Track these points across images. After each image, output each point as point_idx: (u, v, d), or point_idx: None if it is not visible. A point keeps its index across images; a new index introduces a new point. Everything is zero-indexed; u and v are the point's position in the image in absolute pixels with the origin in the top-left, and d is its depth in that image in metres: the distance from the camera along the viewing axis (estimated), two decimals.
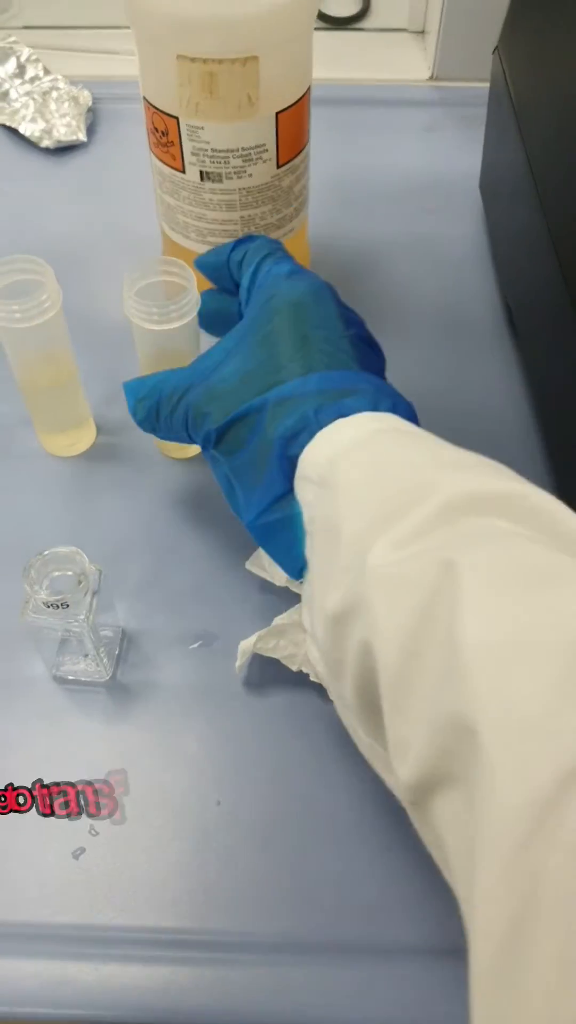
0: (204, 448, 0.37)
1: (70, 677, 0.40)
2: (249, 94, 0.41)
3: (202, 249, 0.48)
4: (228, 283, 0.41)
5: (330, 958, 0.34)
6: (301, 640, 0.39)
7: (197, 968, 0.34)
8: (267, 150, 0.44)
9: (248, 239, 0.41)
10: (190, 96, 0.41)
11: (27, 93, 0.67)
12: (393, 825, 0.36)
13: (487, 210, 0.57)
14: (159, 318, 0.39)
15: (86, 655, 0.39)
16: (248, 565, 0.42)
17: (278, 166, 0.45)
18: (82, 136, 0.64)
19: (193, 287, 0.40)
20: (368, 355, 0.36)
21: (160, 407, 0.38)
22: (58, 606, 0.35)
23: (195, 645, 0.41)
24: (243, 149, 0.43)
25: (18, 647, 0.41)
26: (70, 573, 0.36)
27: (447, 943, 0.34)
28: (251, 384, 0.35)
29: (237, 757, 0.38)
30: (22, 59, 0.68)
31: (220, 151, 0.43)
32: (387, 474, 0.30)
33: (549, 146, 0.43)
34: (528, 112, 0.46)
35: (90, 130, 0.65)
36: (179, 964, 0.34)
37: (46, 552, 0.36)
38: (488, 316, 0.53)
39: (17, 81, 0.67)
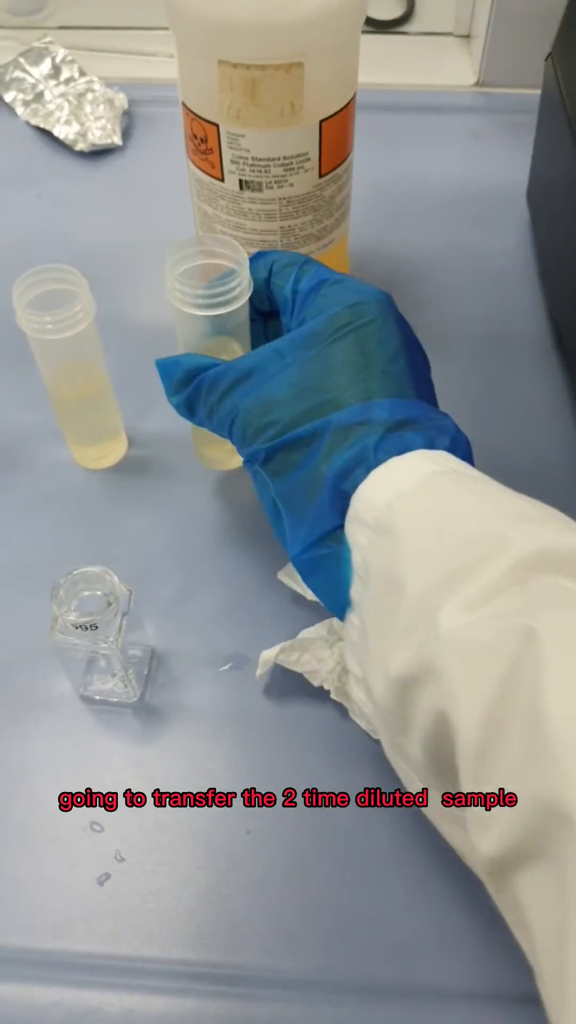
0: (248, 462, 0.35)
1: (97, 697, 0.39)
2: (292, 101, 0.40)
3: None
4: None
5: (361, 998, 0.33)
6: (325, 656, 0.38)
7: (223, 1002, 0.33)
8: (309, 159, 0.43)
9: (262, 253, 0.39)
10: (231, 102, 0.40)
11: (62, 95, 0.66)
12: (429, 860, 0.35)
13: (534, 222, 0.55)
14: (206, 302, 0.36)
15: (114, 675, 0.38)
16: (280, 575, 0.41)
17: (320, 175, 0.44)
18: (117, 140, 0.63)
19: (245, 266, 0.37)
20: (423, 376, 0.35)
21: (198, 399, 0.36)
22: (87, 627, 0.35)
23: (225, 667, 0.40)
24: (284, 158, 0.42)
25: (45, 665, 0.40)
26: (99, 593, 0.35)
27: (482, 987, 0.33)
28: (305, 400, 0.33)
29: (267, 784, 0.37)
30: (57, 60, 0.68)
31: (261, 159, 0.42)
32: (451, 525, 0.28)
33: None
34: None
35: (125, 133, 0.64)
36: (205, 998, 0.33)
37: (75, 571, 0.35)
38: (534, 333, 0.52)
39: (52, 82, 0.67)
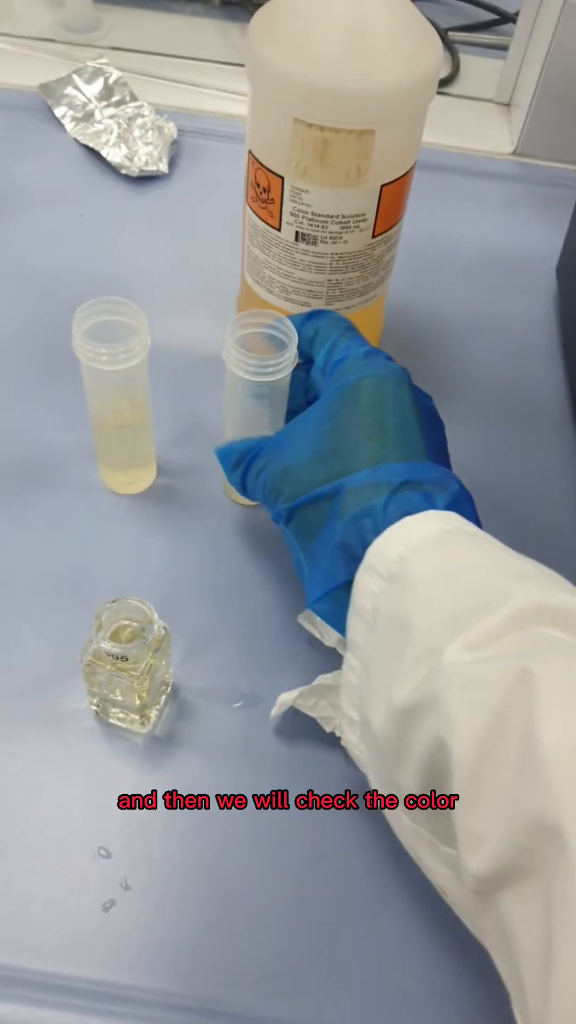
0: (276, 522, 0.39)
1: (112, 720, 0.40)
2: (359, 164, 0.42)
3: (284, 305, 0.48)
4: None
5: None
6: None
7: None
8: (366, 219, 0.44)
9: (318, 314, 0.42)
10: (300, 159, 0.42)
11: (112, 117, 0.67)
12: (430, 909, 0.36)
13: (562, 295, 0.57)
14: (256, 370, 0.39)
15: (137, 705, 0.39)
16: (300, 619, 0.43)
17: (373, 236, 0.45)
18: (164, 167, 0.65)
19: (294, 344, 0.40)
20: (437, 442, 0.38)
21: (248, 475, 0.41)
22: (118, 658, 0.35)
23: (237, 704, 0.41)
24: (343, 216, 0.44)
25: (63, 683, 0.41)
26: (136, 624, 0.36)
27: None
28: (324, 465, 0.37)
29: (276, 823, 0.38)
30: (110, 81, 0.69)
31: (320, 215, 0.44)
32: (459, 577, 0.31)
33: None
34: None
35: (171, 161, 0.66)
36: None
37: (116, 601, 0.36)
38: (554, 404, 0.54)
39: (102, 103, 0.68)
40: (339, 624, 0.36)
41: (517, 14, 0.76)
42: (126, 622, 0.36)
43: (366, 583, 0.33)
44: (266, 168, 0.44)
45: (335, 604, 0.35)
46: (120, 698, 0.38)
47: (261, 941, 0.35)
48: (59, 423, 0.49)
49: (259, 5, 0.75)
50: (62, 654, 0.41)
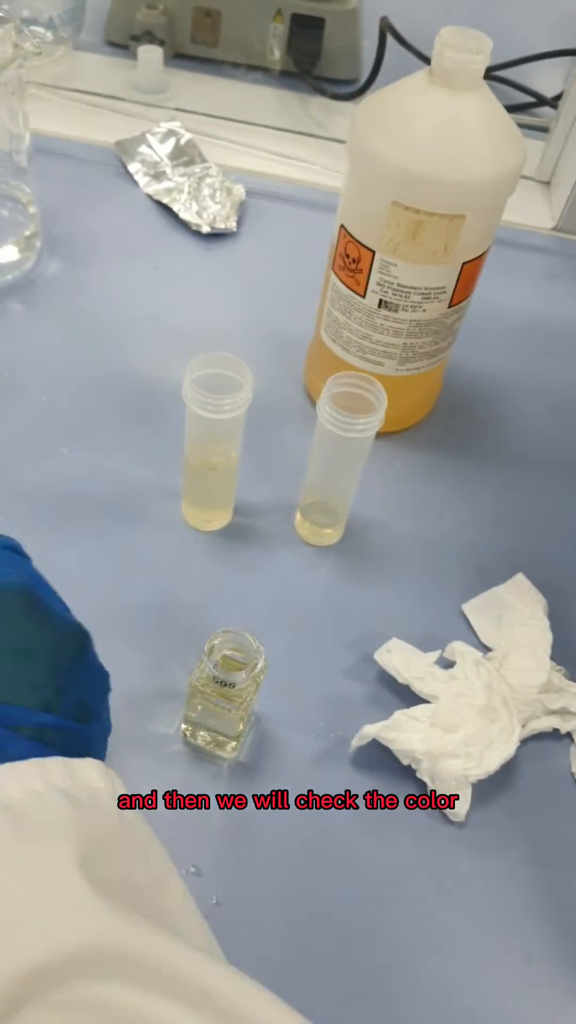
0: None
1: (200, 744, 0.43)
2: (447, 244, 0.46)
3: (360, 364, 0.52)
4: None
5: None
6: (416, 739, 0.42)
7: None
8: (445, 292, 0.48)
9: None
10: (392, 236, 0.46)
11: (183, 175, 0.71)
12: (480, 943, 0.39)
13: None
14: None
15: (233, 735, 0.41)
16: (377, 655, 0.46)
17: (450, 306, 0.49)
18: (232, 226, 0.69)
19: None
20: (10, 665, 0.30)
21: None
22: (224, 684, 0.38)
23: (312, 736, 0.44)
24: (426, 288, 0.48)
25: (150, 707, 0.43)
26: (240, 655, 0.39)
27: None
28: None
29: (350, 856, 0.41)
30: (181, 142, 0.74)
31: (405, 287, 0.48)
32: None
33: None
34: None
35: (239, 221, 0.70)
36: None
37: (227, 631, 0.39)
38: None
39: (174, 162, 0.72)
40: None
41: (556, 98, 0.82)
42: (228, 652, 0.39)
43: None
44: (357, 241, 0.48)
45: None
46: (216, 724, 0.40)
47: (326, 968, 0.38)
48: (145, 462, 0.53)
49: (317, 77, 0.81)
50: (149, 679, 0.44)
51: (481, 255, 0.48)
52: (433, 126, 0.43)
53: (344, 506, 0.50)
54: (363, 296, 0.49)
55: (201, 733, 0.42)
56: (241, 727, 0.40)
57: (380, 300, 0.49)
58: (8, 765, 0.27)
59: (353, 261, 0.49)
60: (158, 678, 0.45)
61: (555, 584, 0.50)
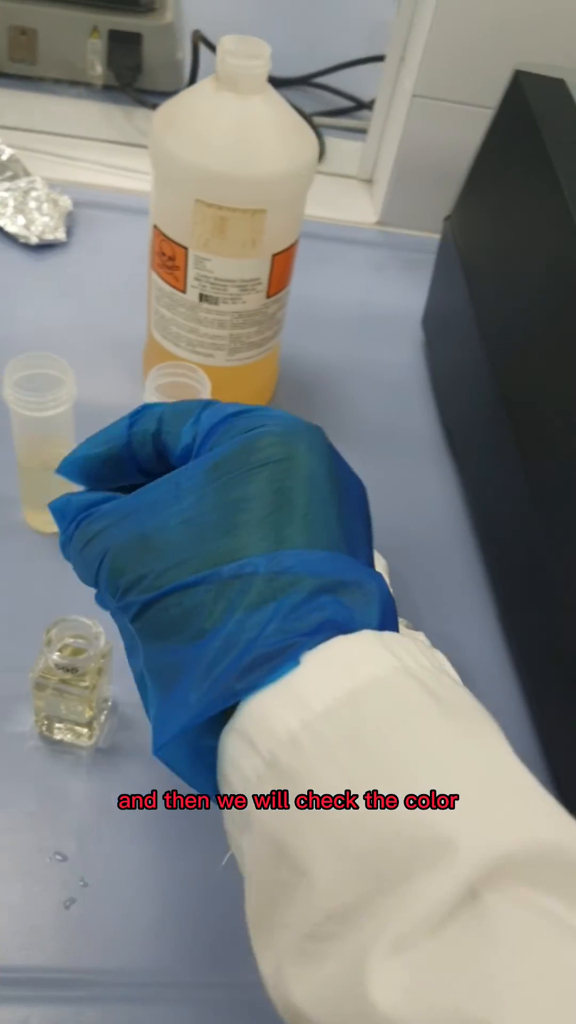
0: (115, 614, 0.27)
1: (57, 737, 0.43)
2: (254, 238, 0.48)
3: (191, 357, 0.54)
4: (125, 470, 0.31)
5: None
6: None
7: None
8: (260, 283, 0.51)
9: (149, 406, 0.31)
10: (201, 233, 0.48)
11: (7, 190, 0.72)
12: None
13: (428, 344, 0.66)
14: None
15: (83, 722, 0.42)
16: None
17: (267, 296, 0.52)
18: (62, 236, 0.70)
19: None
20: (355, 526, 0.28)
21: (72, 542, 0.28)
22: (67, 670, 0.39)
23: None
24: (242, 280, 0.50)
25: (10, 704, 0.44)
26: (82, 642, 0.40)
27: None
28: (198, 541, 0.25)
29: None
30: (3, 157, 0.74)
31: (221, 280, 0.50)
32: (377, 791, 0.21)
33: (493, 301, 0.52)
34: (475, 272, 0.55)
35: (68, 231, 0.71)
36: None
37: (64, 619, 0.40)
38: (428, 437, 0.62)
39: None
40: (201, 779, 0.25)
41: (372, 102, 0.87)
42: (70, 640, 0.40)
43: (236, 756, 0.23)
44: (170, 239, 0.50)
45: (189, 757, 0.25)
46: (66, 712, 0.41)
47: (230, 920, 0.40)
48: None
49: (139, 90, 0.83)
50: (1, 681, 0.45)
51: (290, 247, 0.51)
52: (225, 128, 0.46)
53: None
54: (184, 291, 0.51)
55: (58, 725, 0.43)
56: (90, 713, 0.41)
57: (200, 294, 0.51)
58: (395, 636, 0.24)
59: (170, 259, 0.50)
60: (8, 681, 0.45)
61: (396, 545, 0.53)
